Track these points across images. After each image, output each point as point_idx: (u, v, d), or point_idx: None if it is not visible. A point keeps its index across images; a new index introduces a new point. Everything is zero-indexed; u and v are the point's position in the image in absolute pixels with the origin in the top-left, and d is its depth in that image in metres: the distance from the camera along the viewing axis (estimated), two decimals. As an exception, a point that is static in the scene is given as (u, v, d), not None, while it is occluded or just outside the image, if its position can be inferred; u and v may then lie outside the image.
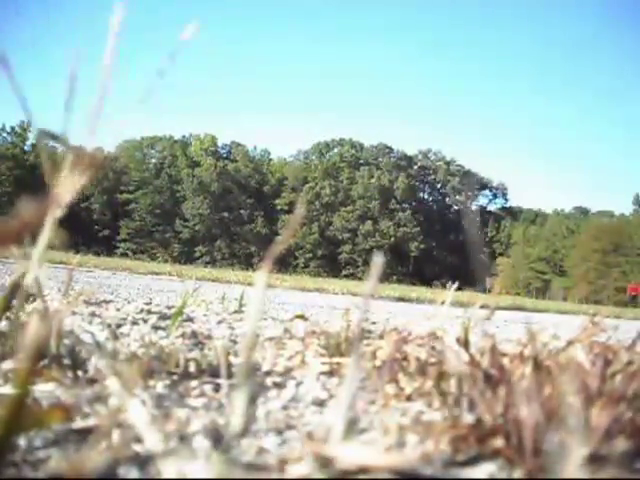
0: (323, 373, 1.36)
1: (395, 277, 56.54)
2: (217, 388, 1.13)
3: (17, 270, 0.85)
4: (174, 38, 0.76)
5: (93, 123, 0.72)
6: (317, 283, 16.49)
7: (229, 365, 1.24)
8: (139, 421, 0.52)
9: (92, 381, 1.08)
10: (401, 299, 12.77)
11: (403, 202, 70.90)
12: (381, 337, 1.67)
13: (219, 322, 2.26)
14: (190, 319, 2.26)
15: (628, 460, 0.69)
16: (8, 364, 0.93)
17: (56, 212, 0.69)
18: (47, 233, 0.69)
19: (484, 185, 76.35)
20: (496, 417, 0.78)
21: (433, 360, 1.21)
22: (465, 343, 1.12)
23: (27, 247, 0.85)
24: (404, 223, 69.15)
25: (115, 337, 1.57)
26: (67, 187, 0.68)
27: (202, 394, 1.09)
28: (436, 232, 70.67)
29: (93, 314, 2.03)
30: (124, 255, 53.99)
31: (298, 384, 1.24)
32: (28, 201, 0.53)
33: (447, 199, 75.85)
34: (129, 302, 3.00)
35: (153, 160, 69.46)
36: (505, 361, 1.00)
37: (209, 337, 1.75)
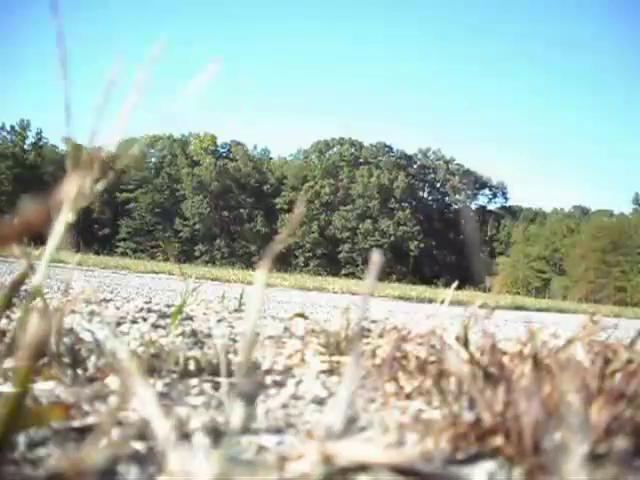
0: (323, 372, 1.36)
1: (395, 276, 56.52)
2: (217, 386, 1.13)
3: (19, 269, 0.84)
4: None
5: (97, 123, 0.72)
6: (317, 282, 16.50)
7: (229, 363, 1.24)
8: (150, 410, 0.52)
9: (92, 379, 1.08)
10: (401, 298, 12.78)
11: (403, 201, 70.88)
12: (381, 336, 1.67)
13: (219, 321, 2.26)
14: (190, 318, 2.26)
15: (627, 458, 0.69)
16: (8, 362, 0.93)
17: (67, 216, 0.68)
18: (57, 236, 0.69)
19: (484, 184, 76.38)
20: (496, 415, 0.78)
21: (433, 358, 1.21)
22: (465, 342, 1.12)
23: (28, 247, 0.85)
24: (404, 222, 69.14)
25: (115, 335, 1.57)
26: (77, 190, 0.68)
27: (202, 392, 1.09)
28: (436, 231, 70.66)
29: (93, 313, 2.03)
30: (124, 254, 53.96)
31: (298, 383, 1.24)
32: (30, 201, 0.53)
33: (447, 198, 75.86)
34: (128, 301, 3.00)
35: (153, 159, 69.42)
36: (505, 359, 1.00)
37: (209, 336, 1.75)
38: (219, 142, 73.02)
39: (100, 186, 0.75)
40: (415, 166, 74.89)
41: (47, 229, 0.65)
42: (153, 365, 1.22)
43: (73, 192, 0.68)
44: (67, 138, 0.70)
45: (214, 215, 66.57)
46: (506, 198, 78.24)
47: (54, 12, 0.69)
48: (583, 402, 0.69)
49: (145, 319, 2.02)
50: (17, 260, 0.83)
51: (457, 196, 74.16)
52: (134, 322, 1.94)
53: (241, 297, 3.18)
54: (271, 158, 75.95)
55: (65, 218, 0.68)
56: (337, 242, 68.17)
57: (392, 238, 67.79)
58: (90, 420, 0.82)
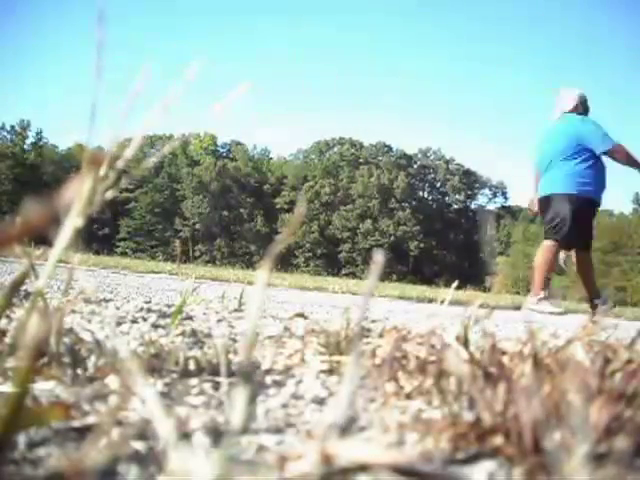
0: (323, 371, 1.36)
1: (395, 276, 56.53)
2: (217, 386, 1.13)
3: (19, 269, 0.85)
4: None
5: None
6: (317, 282, 16.48)
7: (229, 363, 1.24)
8: (153, 407, 0.52)
9: (92, 379, 1.08)
10: (401, 297, 12.78)
11: (403, 201, 70.92)
12: (381, 335, 1.67)
13: (219, 320, 2.26)
14: (190, 317, 2.26)
15: (628, 458, 0.69)
16: (8, 362, 0.93)
17: (76, 220, 0.68)
18: (64, 240, 0.68)
19: (484, 184, 76.43)
20: (496, 415, 0.78)
21: (433, 358, 1.21)
22: (465, 341, 1.12)
23: (29, 247, 0.85)
24: (404, 222, 69.16)
25: (115, 335, 1.57)
26: (87, 194, 0.68)
27: (202, 392, 1.09)
28: (436, 231, 70.68)
29: (93, 312, 2.03)
30: (124, 254, 53.96)
31: (298, 382, 1.24)
32: (32, 201, 0.53)
33: (447, 198, 75.88)
34: (128, 301, 3.00)
35: (153, 159, 69.38)
36: (505, 359, 1.00)
37: (209, 335, 1.75)
38: (219, 142, 73.11)
39: (111, 194, 0.75)
40: (415, 166, 74.95)
41: (49, 230, 0.65)
42: (153, 365, 1.22)
43: (82, 196, 0.68)
44: (80, 144, 0.70)
45: (214, 215, 66.55)
46: (506, 198, 78.36)
47: (100, 22, 0.69)
48: (583, 402, 0.69)
49: (145, 319, 2.02)
50: (17, 260, 0.83)
51: (457, 196, 74.19)
52: (134, 322, 1.94)
53: (241, 297, 3.18)
54: (271, 158, 75.99)
55: (74, 222, 0.68)
56: (337, 242, 68.17)
57: (392, 238, 67.78)
58: (90, 420, 0.82)
